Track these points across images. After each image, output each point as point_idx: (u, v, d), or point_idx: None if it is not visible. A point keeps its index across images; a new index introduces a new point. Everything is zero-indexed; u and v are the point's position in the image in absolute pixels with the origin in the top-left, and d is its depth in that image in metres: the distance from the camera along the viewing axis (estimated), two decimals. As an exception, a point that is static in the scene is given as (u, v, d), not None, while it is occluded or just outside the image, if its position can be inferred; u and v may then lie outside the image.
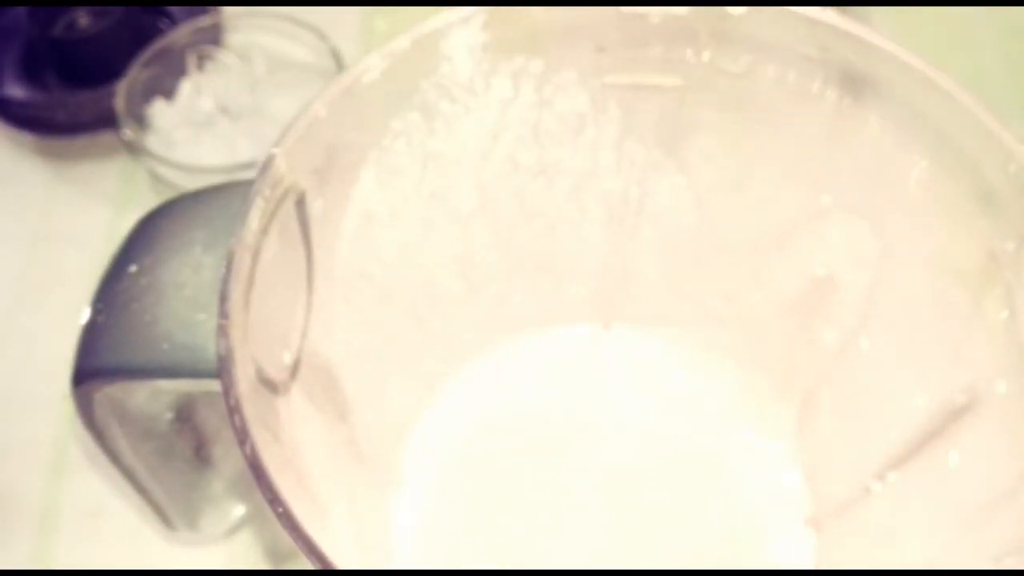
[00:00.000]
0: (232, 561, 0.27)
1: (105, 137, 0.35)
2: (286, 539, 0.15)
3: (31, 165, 0.35)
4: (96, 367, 0.18)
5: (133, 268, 0.19)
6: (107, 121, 0.33)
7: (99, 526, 0.28)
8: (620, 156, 0.23)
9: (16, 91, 0.35)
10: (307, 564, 0.15)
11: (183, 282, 0.18)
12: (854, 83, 0.20)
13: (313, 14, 0.35)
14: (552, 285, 0.25)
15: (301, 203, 0.19)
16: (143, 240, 0.20)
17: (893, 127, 0.20)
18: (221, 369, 0.16)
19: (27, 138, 0.36)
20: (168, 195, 0.21)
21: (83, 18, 0.36)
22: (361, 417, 0.22)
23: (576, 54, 0.21)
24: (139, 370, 0.18)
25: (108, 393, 0.19)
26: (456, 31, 0.20)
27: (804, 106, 0.21)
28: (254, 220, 0.17)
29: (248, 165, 0.31)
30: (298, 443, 0.18)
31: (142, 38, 0.34)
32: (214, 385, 0.16)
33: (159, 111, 0.33)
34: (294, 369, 0.19)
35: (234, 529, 0.27)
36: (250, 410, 0.16)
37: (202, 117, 0.33)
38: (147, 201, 0.29)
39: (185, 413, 0.23)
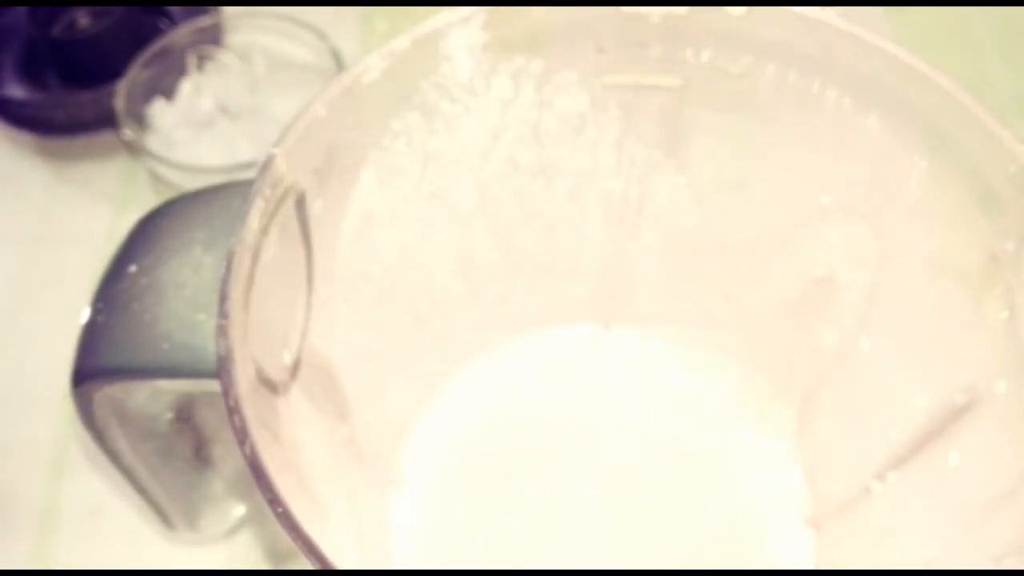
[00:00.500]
0: (232, 561, 0.27)
1: (105, 137, 0.35)
2: (286, 539, 0.15)
3: (31, 165, 0.35)
4: (96, 367, 0.18)
5: (133, 268, 0.19)
6: (107, 121, 0.33)
7: (99, 526, 0.28)
8: (620, 156, 0.23)
9: (16, 91, 0.35)
10: (307, 564, 0.15)
11: (183, 282, 0.18)
12: (854, 83, 0.20)
13: (313, 14, 0.35)
14: (552, 285, 0.25)
15: (301, 203, 0.19)
16: (143, 240, 0.20)
17: (893, 127, 0.20)
18: (221, 369, 0.16)
19: (27, 138, 0.36)
20: (168, 195, 0.21)
21: (83, 18, 0.36)
22: (361, 417, 0.22)
23: (576, 54, 0.21)
24: (139, 370, 0.18)
25: (108, 393, 0.19)
26: (456, 31, 0.20)
27: (804, 106, 0.21)
28: (254, 220, 0.17)
29: (248, 165, 0.31)
30: (298, 443, 0.18)
31: (142, 38, 0.34)
32: (214, 385, 0.16)
33: (159, 111, 0.33)
34: (294, 369, 0.19)
35: (234, 529, 0.27)
36: (250, 410, 0.16)
37: (202, 117, 0.33)
38: (147, 201, 0.29)
39: (185, 413, 0.23)
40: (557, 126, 0.22)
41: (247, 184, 0.18)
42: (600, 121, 0.22)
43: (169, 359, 0.18)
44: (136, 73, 0.33)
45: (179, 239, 0.19)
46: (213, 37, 0.35)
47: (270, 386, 0.18)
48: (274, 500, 0.15)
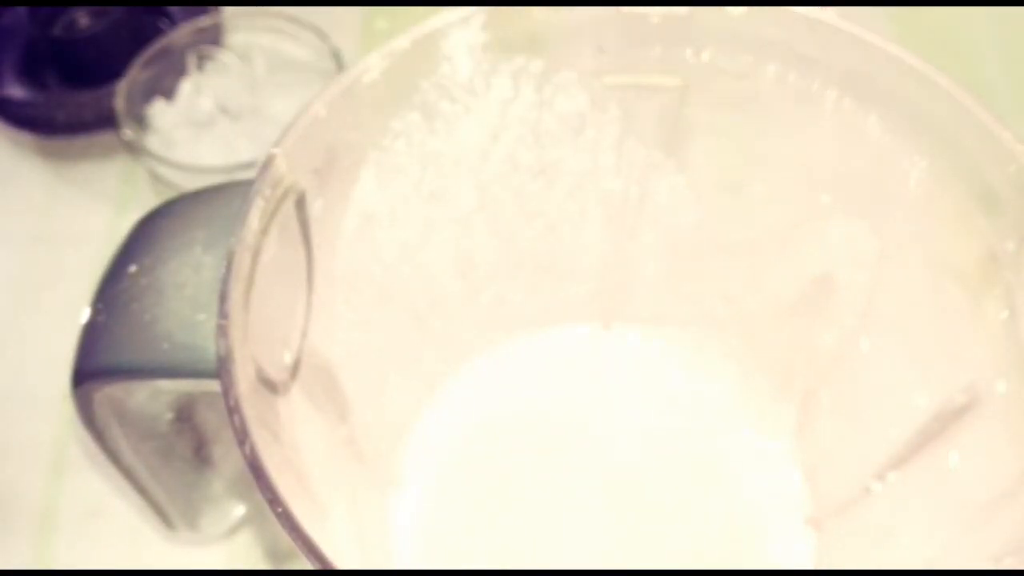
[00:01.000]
0: (232, 561, 0.27)
1: (105, 137, 0.35)
2: (286, 539, 0.15)
3: (31, 165, 0.35)
4: (96, 367, 0.18)
5: (133, 268, 0.19)
6: (107, 121, 0.33)
7: (99, 526, 0.28)
8: (620, 156, 0.23)
9: (16, 91, 0.35)
10: (307, 564, 0.15)
11: (183, 282, 0.18)
12: (854, 83, 0.20)
13: (313, 14, 0.35)
14: (552, 285, 0.25)
15: (301, 203, 0.19)
16: (143, 240, 0.20)
17: (893, 127, 0.20)
18: (221, 369, 0.16)
19: (27, 138, 0.36)
20: (168, 195, 0.21)
21: (83, 18, 0.36)
22: (361, 417, 0.22)
23: (576, 54, 0.21)
24: (139, 370, 0.18)
25: (108, 393, 0.19)
26: (456, 31, 0.20)
27: (804, 106, 0.21)
28: (254, 220, 0.17)
29: (248, 165, 0.31)
30: (298, 443, 0.18)
31: (142, 38, 0.34)
32: (214, 385, 0.16)
33: (159, 111, 0.33)
34: (294, 369, 0.19)
35: (234, 529, 0.27)
36: (250, 410, 0.16)
37: (202, 117, 0.33)
38: (147, 201, 0.29)
39: (185, 413, 0.23)
40: (557, 126, 0.22)
41: (247, 184, 0.18)
42: (600, 121, 0.22)
43: (169, 359, 0.18)
44: (136, 73, 0.33)
45: (179, 239, 0.19)
46: (213, 37, 0.35)
47: (270, 386, 0.18)
48: (274, 500, 0.15)
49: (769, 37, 0.20)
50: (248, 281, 0.17)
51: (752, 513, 0.24)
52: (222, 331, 0.16)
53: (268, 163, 0.18)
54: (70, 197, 0.34)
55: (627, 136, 0.23)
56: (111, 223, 0.34)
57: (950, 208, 0.19)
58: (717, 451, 0.25)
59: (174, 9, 0.37)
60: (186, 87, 0.34)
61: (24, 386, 0.30)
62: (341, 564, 0.15)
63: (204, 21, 0.35)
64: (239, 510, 0.26)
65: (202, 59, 0.34)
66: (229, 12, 0.35)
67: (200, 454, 0.24)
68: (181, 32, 0.34)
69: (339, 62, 0.34)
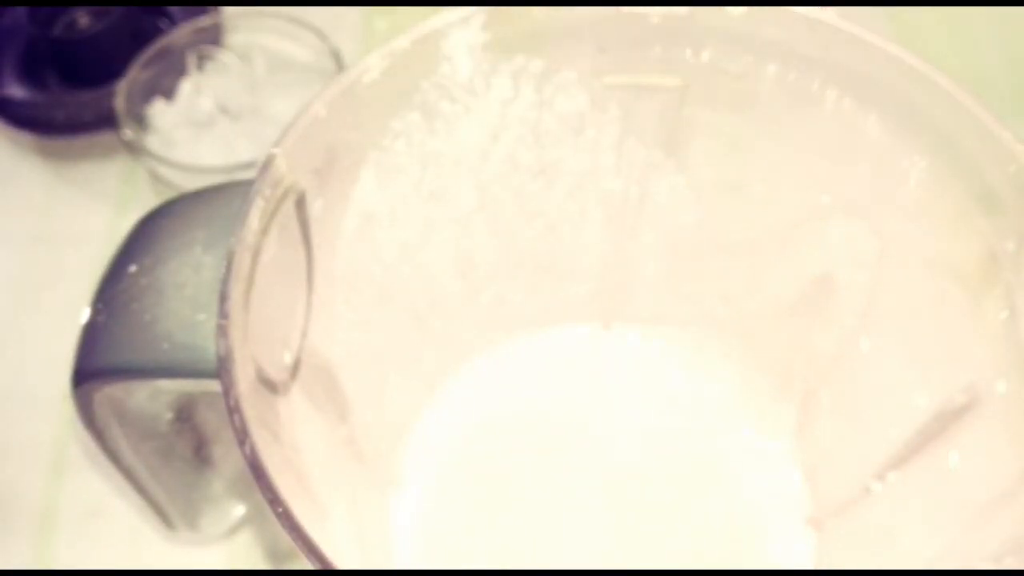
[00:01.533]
0: (232, 561, 0.27)
1: (105, 137, 0.35)
2: (286, 539, 0.15)
3: (31, 165, 0.35)
4: (96, 367, 0.18)
5: (133, 268, 0.19)
6: (107, 121, 0.33)
7: (99, 526, 0.28)
8: (620, 156, 0.23)
9: (16, 91, 0.35)
10: (307, 564, 0.15)
11: (183, 282, 0.18)
12: (854, 83, 0.20)
13: (313, 14, 0.35)
14: (552, 285, 0.25)
15: (301, 203, 0.19)
16: (143, 240, 0.19)
17: (893, 127, 0.20)
18: (221, 369, 0.16)
19: (27, 138, 0.36)
20: (168, 195, 0.21)
21: (83, 18, 0.36)
22: (361, 417, 0.22)
23: (576, 54, 0.21)
24: (139, 370, 0.18)
25: (108, 393, 0.19)
26: (456, 31, 0.20)
27: (804, 106, 0.21)
28: (254, 220, 0.17)
29: (248, 165, 0.31)
30: (298, 443, 0.18)
31: (142, 38, 0.34)
32: (214, 385, 0.16)
33: (159, 111, 0.33)
34: (294, 369, 0.19)
35: (234, 529, 0.27)
36: (250, 410, 0.16)
37: (202, 117, 0.33)
38: (147, 201, 0.29)
39: (185, 413, 0.23)
40: (557, 126, 0.22)
41: (247, 184, 0.18)
42: (600, 121, 0.22)
43: (169, 359, 0.18)
44: (136, 73, 0.33)
45: (179, 239, 0.19)
46: (213, 37, 0.35)
47: (270, 386, 0.18)
48: (274, 500, 0.15)
49: (769, 37, 0.20)
50: (248, 281, 0.17)
51: (752, 513, 0.24)
52: (222, 331, 0.16)
53: (268, 163, 0.18)
54: (70, 197, 0.34)
55: (627, 136, 0.23)
56: (111, 223, 0.34)
57: (950, 208, 0.19)
58: (717, 451, 0.25)
59: (174, 9, 0.37)
60: (186, 87, 0.34)
61: (24, 386, 0.30)
62: (341, 564, 0.15)
63: (204, 21, 0.35)
64: (239, 510, 0.26)
65: (202, 59, 0.34)
66: (229, 12, 0.35)
67: (200, 454, 0.24)
68: (181, 32, 0.34)
69: (339, 62, 0.34)
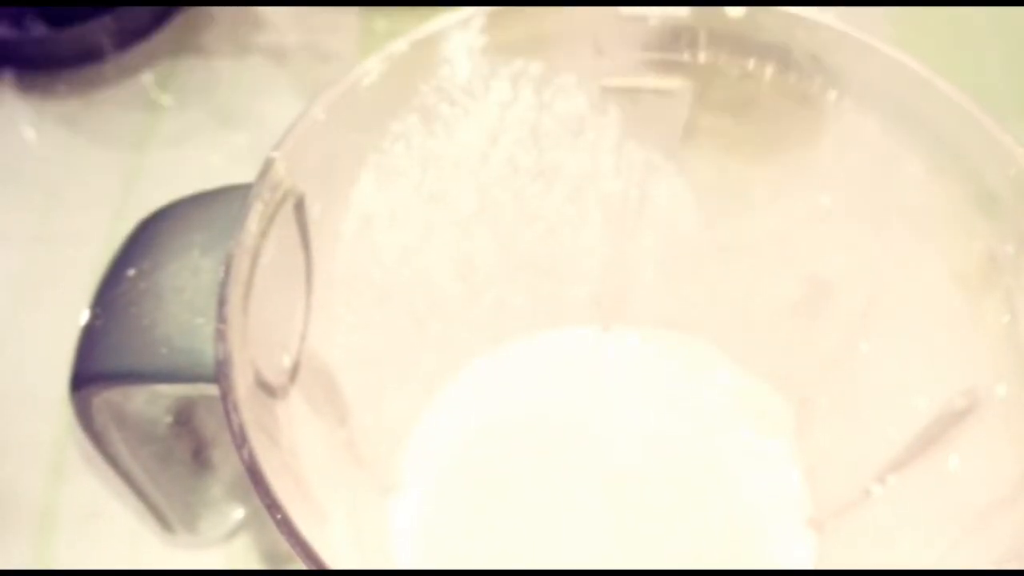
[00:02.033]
0: (231, 564, 0.27)
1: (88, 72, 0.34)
2: (285, 542, 0.15)
3: (12, 103, 0.35)
4: (94, 371, 0.18)
5: (131, 272, 0.19)
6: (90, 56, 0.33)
7: (99, 527, 0.28)
8: (619, 158, 0.23)
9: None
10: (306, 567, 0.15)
11: (182, 286, 0.18)
12: (854, 85, 0.20)
13: (312, 14, 0.35)
14: (552, 287, 0.25)
15: (300, 206, 0.19)
16: (141, 244, 0.19)
17: (893, 129, 0.20)
18: (219, 373, 0.16)
19: (8, 75, 0.35)
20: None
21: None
22: (360, 420, 0.22)
23: (575, 56, 0.21)
24: (137, 375, 0.18)
25: (107, 397, 0.19)
26: (455, 34, 0.20)
27: (804, 108, 0.21)
28: (253, 223, 0.17)
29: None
30: (297, 447, 0.18)
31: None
32: (213, 389, 0.16)
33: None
34: (293, 372, 0.19)
35: (233, 532, 0.27)
36: (248, 414, 0.16)
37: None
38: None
39: (184, 417, 0.23)
40: (556, 129, 0.22)
41: (246, 187, 0.18)
42: (599, 124, 0.22)
43: (168, 363, 0.18)
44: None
45: (178, 242, 0.19)
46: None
47: (269, 390, 0.18)
48: (272, 505, 0.15)
49: (768, 39, 0.20)
50: (247, 285, 0.17)
51: (752, 515, 0.24)
52: (220, 335, 0.16)
53: (267, 166, 0.18)
54: (71, 196, 0.34)
55: (626, 138, 0.23)
56: (110, 224, 0.33)
57: (950, 211, 0.19)
58: (717, 452, 0.25)
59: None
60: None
61: (24, 387, 0.30)
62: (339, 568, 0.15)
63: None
64: (238, 513, 0.26)
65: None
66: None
67: (199, 458, 0.24)
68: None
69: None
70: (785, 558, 0.23)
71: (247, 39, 0.36)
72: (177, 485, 0.24)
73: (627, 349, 0.27)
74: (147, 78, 0.36)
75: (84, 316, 0.19)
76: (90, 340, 0.19)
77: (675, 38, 0.21)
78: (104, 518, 0.28)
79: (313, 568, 0.15)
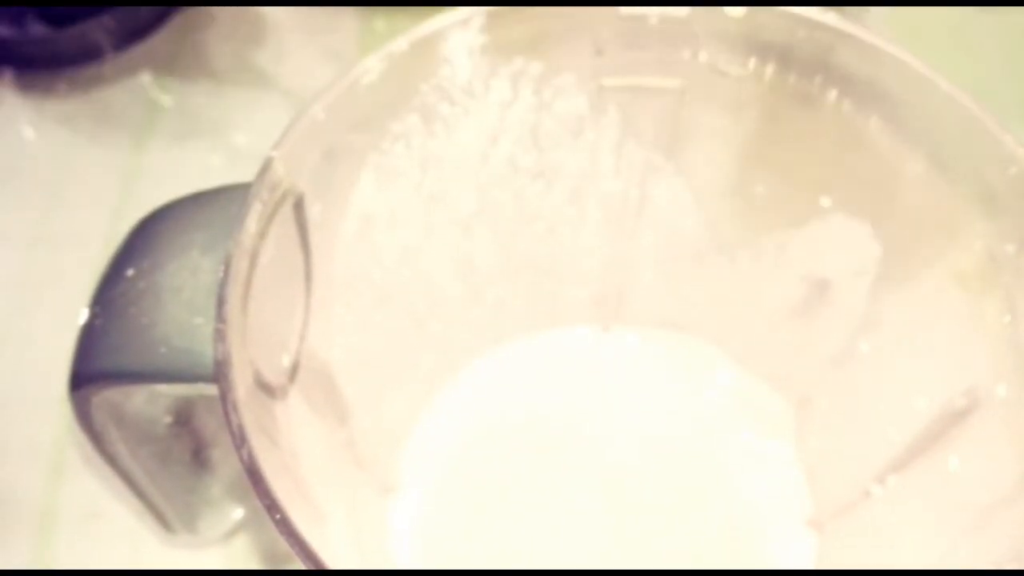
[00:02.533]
0: (230, 564, 0.27)
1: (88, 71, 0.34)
2: (284, 542, 0.15)
3: (11, 103, 0.35)
4: (93, 371, 0.18)
5: (130, 271, 0.19)
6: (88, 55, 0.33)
7: (99, 527, 0.27)
8: (619, 158, 0.23)
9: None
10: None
11: (181, 285, 0.18)
12: (854, 85, 0.20)
13: (312, 14, 0.35)
14: (551, 287, 0.25)
15: (299, 206, 0.19)
16: (140, 243, 0.19)
17: (893, 129, 0.20)
18: (218, 374, 0.16)
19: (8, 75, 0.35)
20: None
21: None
22: (360, 420, 0.22)
23: (575, 56, 0.21)
24: (137, 374, 0.18)
25: (106, 397, 0.19)
26: (455, 33, 0.20)
27: (804, 108, 0.21)
28: (252, 224, 0.17)
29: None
30: (296, 447, 0.18)
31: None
32: (212, 390, 0.16)
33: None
34: (292, 372, 0.19)
35: (233, 532, 0.27)
36: (248, 415, 0.16)
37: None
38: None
39: (183, 416, 0.23)
40: (556, 128, 0.22)
41: (245, 187, 0.18)
42: (599, 123, 0.22)
43: (167, 363, 0.17)
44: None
45: (177, 242, 0.19)
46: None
47: (268, 390, 0.17)
48: (272, 506, 0.15)
49: (768, 39, 0.20)
50: (246, 285, 0.17)
51: (752, 515, 0.24)
52: (220, 335, 0.16)
53: (266, 166, 0.18)
54: (70, 196, 0.34)
55: (626, 138, 0.22)
56: (111, 223, 0.33)
57: (950, 211, 0.19)
58: (717, 453, 0.25)
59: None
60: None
61: (24, 387, 0.30)
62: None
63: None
64: (237, 513, 0.26)
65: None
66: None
67: (198, 457, 0.24)
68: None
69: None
70: (785, 558, 0.23)
71: (247, 39, 0.36)
72: (176, 485, 0.24)
73: (627, 349, 0.27)
74: (147, 78, 0.36)
75: (83, 315, 0.19)
76: (89, 340, 0.19)
77: (675, 37, 0.21)
78: (104, 518, 0.28)
79: (312, 568, 0.15)
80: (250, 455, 0.15)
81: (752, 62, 0.21)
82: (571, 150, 0.23)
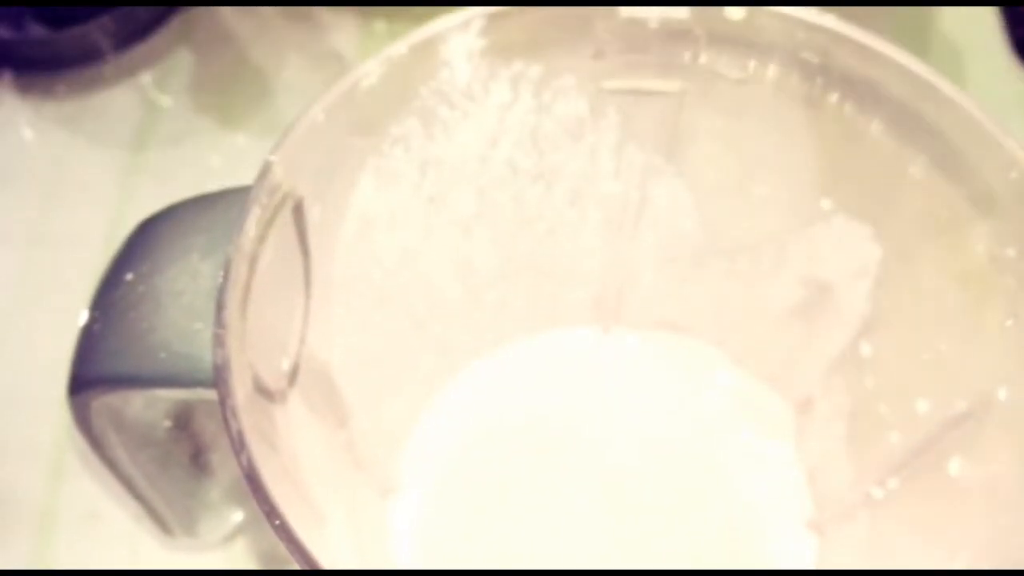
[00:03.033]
0: (230, 566, 0.27)
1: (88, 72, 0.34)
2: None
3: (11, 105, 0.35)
4: (93, 376, 0.18)
5: (130, 276, 0.19)
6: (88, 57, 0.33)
7: (98, 530, 0.27)
8: (619, 161, 0.23)
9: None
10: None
11: (180, 290, 0.18)
12: (855, 87, 0.20)
13: (313, 15, 0.35)
14: (551, 289, 0.25)
15: (299, 210, 0.19)
16: (140, 247, 0.19)
17: (894, 132, 0.20)
18: (218, 379, 0.16)
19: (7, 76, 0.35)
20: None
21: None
22: (360, 422, 0.22)
23: (575, 59, 0.21)
24: (136, 379, 0.18)
25: (105, 401, 0.19)
26: (455, 36, 0.20)
27: (804, 110, 0.21)
28: (251, 227, 0.17)
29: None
30: (296, 450, 0.18)
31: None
32: (211, 394, 0.16)
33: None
34: (292, 375, 0.19)
35: (232, 535, 0.27)
36: (247, 420, 0.16)
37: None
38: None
39: (183, 420, 0.23)
40: (556, 131, 0.22)
41: (244, 191, 0.18)
42: (599, 126, 0.22)
43: (166, 368, 0.17)
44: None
45: (176, 246, 0.19)
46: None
47: (267, 395, 0.17)
48: (271, 511, 0.15)
49: (769, 40, 0.20)
50: (245, 289, 0.17)
51: (752, 517, 0.24)
52: (219, 340, 0.16)
53: (265, 170, 0.18)
54: (70, 196, 0.34)
55: (626, 141, 0.22)
56: (111, 223, 0.33)
57: (951, 213, 0.19)
58: (717, 454, 0.25)
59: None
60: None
61: (23, 388, 0.30)
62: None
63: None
64: (237, 516, 0.26)
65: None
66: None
67: (198, 461, 0.24)
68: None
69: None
70: (785, 560, 0.23)
71: (246, 40, 0.36)
72: (176, 488, 0.24)
73: (627, 351, 0.27)
74: (146, 78, 0.36)
75: (83, 316, 0.19)
76: (88, 344, 0.19)
77: (675, 39, 0.21)
78: (103, 520, 0.28)
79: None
80: (249, 461, 0.15)
81: (753, 64, 0.21)
82: (571, 152, 0.23)
